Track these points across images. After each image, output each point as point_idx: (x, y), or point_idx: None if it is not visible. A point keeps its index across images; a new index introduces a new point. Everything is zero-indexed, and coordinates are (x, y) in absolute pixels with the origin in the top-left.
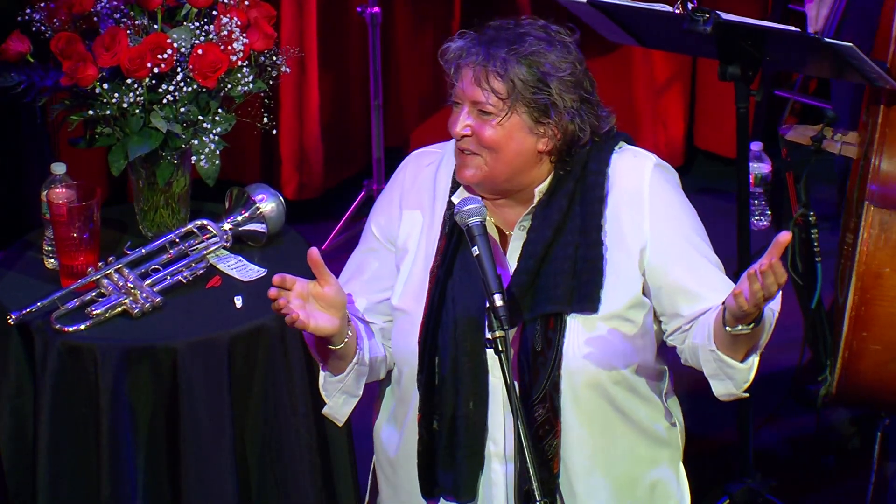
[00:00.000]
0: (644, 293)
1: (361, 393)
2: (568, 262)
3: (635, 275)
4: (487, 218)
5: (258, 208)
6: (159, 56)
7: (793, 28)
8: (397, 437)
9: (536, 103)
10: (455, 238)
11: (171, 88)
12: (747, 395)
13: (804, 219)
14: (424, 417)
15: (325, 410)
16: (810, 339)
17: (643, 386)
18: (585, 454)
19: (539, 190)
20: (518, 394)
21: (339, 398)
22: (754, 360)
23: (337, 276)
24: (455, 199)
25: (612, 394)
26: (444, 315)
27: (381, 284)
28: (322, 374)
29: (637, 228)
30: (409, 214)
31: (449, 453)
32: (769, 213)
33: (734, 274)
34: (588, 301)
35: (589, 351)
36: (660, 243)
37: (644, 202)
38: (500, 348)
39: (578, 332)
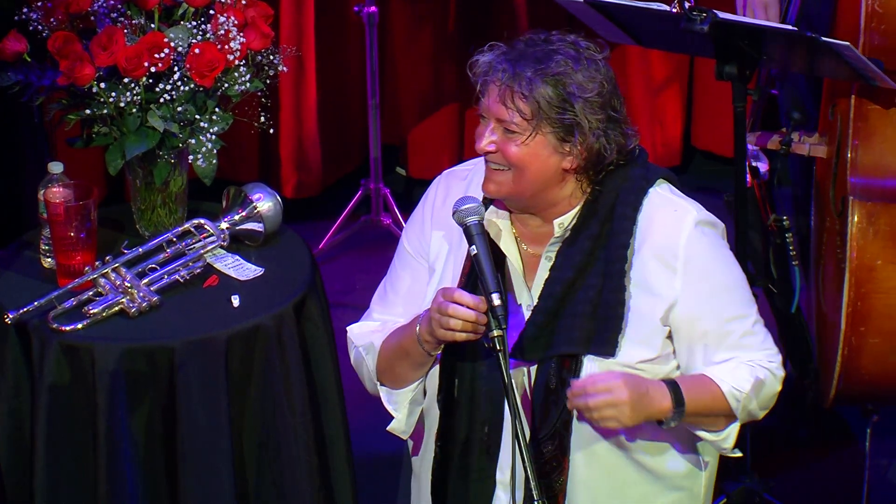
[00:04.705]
0: (668, 336)
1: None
2: (589, 304)
3: (657, 325)
4: (516, 239)
5: (255, 207)
6: (156, 55)
7: (790, 27)
8: (420, 448)
9: (562, 123)
10: None
11: (169, 88)
12: (739, 453)
13: (778, 224)
14: (440, 437)
15: (391, 427)
16: (788, 345)
17: (662, 432)
18: (591, 494)
19: (559, 223)
20: (526, 423)
21: (406, 409)
22: (732, 430)
23: (336, 278)
24: (486, 215)
25: (624, 439)
26: None
27: (417, 300)
28: (383, 391)
29: (668, 284)
30: (438, 234)
31: (461, 475)
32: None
33: None
34: (606, 345)
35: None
36: (689, 305)
37: (678, 260)
38: (499, 347)
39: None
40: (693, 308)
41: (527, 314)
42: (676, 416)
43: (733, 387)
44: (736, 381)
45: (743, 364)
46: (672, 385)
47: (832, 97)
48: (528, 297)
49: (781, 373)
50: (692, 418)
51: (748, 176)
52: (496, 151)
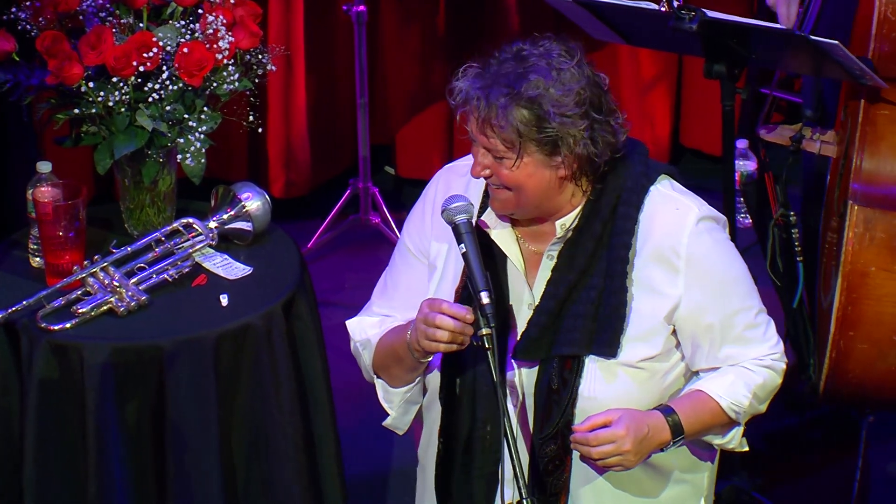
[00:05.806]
0: (671, 333)
1: (422, 399)
2: (590, 305)
3: (660, 323)
4: (517, 239)
5: (244, 206)
6: (145, 54)
7: (779, 26)
8: (424, 442)
9: (545, 140)
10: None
11: (157, 87)
12: (746, 448)
13: (784, 219)
14: (443, 433)
15: (387, 423)
16: (792, 339)
17: None
18: (594, 491)
19: (561, 223)
20: (530, 422)
21: (402, 407)
22: (736, 433)
23: (325, 277)
24: (486, 219)
25: None
26: None
27: (416, 296)
28: (379, 384)
29: (671, 283)
30: (439, 231)
31: (464, 471)
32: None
33: None
34: (607, 346)
35: (604, 395)
36: (693, 302)
37: (681, 259)
38: (488, 346)
39: (595, 374)
40: (697, 304)
41: (528, 313)
42: (677, 444)
43: (732, 402)
44: (734, 396)
45: (741, 377)
46: (670, 415)
47: (847, 98)
48: (529, 296)
49: (782, 365)
50: (693, 437)
51: (756, 170)
52: (491, 175)
